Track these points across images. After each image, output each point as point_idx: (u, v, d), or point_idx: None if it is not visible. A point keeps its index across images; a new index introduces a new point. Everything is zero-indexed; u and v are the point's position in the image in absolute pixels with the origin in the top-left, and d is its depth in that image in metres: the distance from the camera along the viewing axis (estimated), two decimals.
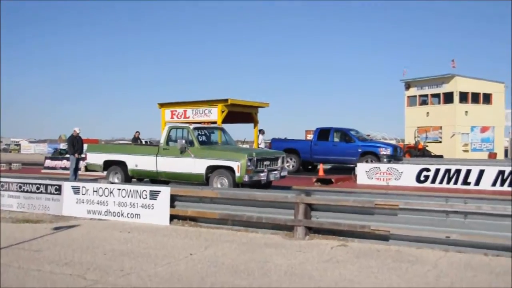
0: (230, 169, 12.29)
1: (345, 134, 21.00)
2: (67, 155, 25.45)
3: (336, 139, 21.10)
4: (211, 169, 12.62)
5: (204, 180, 12.63)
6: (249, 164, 12.15)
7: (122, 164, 14.09)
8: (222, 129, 14.88)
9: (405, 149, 27.63)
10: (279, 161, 13.67)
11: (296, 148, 21.60)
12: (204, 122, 16.85)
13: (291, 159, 21.30)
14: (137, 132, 23.38)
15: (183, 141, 12.95)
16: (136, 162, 13.82)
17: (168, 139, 13.60)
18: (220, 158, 12.57)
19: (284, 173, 13.82)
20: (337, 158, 20.59)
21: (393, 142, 33.58)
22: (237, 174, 12.11)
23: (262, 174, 12.64)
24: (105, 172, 14.48)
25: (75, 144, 16.62)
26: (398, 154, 20.37)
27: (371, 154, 19.78)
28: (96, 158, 14.67)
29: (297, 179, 17.50)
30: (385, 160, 18.63)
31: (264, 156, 13.08)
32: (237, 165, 12.13)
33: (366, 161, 18.72)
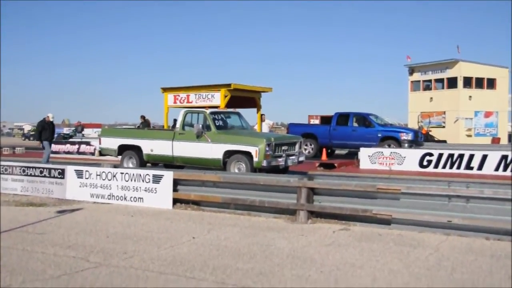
0: (248, 154, 12.14)
1: (364, 119, 20.62)
2: (71, 140, 25.60)
3: (355, 124, 20.70)
4: (228, 154, 12.49)
5: (221, 165, 12.51)
6: (267, 149, 12.00)
7: (137, 149, 13.97)
8: (238, 114, 14.70)
9: None
10: (297, 146, 13.52)
11: (314, 133, 21.28)
12: (207, 107, 16.76)
13: (309, 144, 21.10)
14: (142, 116, 23.08)
15: (200, 125, 12.83)
16: (151, 146, 13.72)
17: (184, 123, 13.51)
18: (238, 143, 12.44)
19: (302, 158, 13.67)
20: (356, 143, 19.76)
21: None
22: (255, 159, 11.97)
23: (280, 159, 12.50)
24: (119, 157, 14.39)
25: (45, 130, 16.33)
26: (419, 139, 20.09)
27: (391, 139, 19.44)
28: (110, 143, 14.55)
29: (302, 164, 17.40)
30: (406, 145, 18.39)
31: (282, 141, 12.95)
32: (255, 150, 11.99)
33: (387, 146, 18.51)
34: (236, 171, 12.18)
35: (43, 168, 11.05)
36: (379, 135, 19.72)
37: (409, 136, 19.33)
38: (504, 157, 15.11)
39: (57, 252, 6.15)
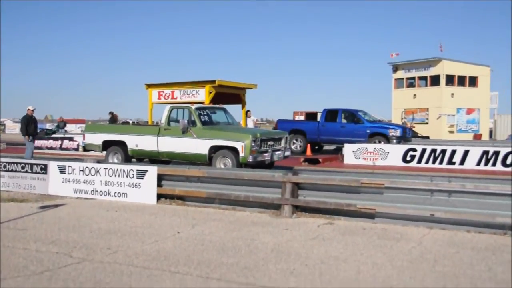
0: (234, 150, 12.13)
1: (353, 115, 20.69)
2: (53, 135, 25.26)
3: (344, 120, 20.78)
4: (214, 149, 12.47)
5: (207, 160, 12.48)
6: (253, 144, 12.00)
7: (122, 144, 13.88)
8: (224, 109, 14.64)
9: None
10: (283, 141, 13.58)
11: (303, 129, 21.31)
12: (193, 103, 16.68)
13: (297, 140, 21.15)
14: (110, 112, 22.64)
15: (185, 121, 12.78)
16: (136, 142, 13.65)
17: (170, 119, 13.45)
18: (223, 139, 12.42)
19: (287, 153, 13.72)
20: (345, 139, 19.57)
21: None
22: (241, 154, 11.96)
23: (266, 155, 12.51)
24: (104, 152, 14.28)
25: (30, 125, 15.85)
26: (407, 135, 20.28)
27: (380, 135, 19.57)
28: (94, 138, 14.41)
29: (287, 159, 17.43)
30: (394, 141, 18.55)
31: (268, 136, 12.99)
32: (241, 146, 11.98)
33: (375, 142, 18.59)
34: (222, 166, 12.14)
35: (25, 163, 10.89)
36: (368, 131, 19.77)
37: (398, 132, 19.48)
38: (485, 152, 15.33)
39: (40, 248, 6.08)
